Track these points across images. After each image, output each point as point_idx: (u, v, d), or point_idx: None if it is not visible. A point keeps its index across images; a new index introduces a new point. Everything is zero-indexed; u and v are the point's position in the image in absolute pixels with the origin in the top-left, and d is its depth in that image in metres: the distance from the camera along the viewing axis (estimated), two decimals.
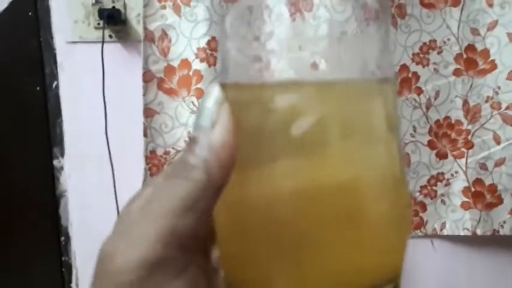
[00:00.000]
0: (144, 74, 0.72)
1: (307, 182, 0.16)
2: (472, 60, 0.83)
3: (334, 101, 0.16)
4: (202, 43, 0.71)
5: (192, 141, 0.17)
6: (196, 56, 0.72)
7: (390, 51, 0.18)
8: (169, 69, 0.73)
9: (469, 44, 0.83)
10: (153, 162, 0.74)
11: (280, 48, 0.16)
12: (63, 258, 0.84)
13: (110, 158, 0.76)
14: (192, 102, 0.73)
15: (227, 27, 0.18)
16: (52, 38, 0.78)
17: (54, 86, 0.80)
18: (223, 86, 0.17)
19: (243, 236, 0.18)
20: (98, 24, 0.76)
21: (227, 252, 0.18)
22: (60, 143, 0.81)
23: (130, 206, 0.17)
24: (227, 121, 0.17)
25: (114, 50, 0.77)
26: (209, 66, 0.72)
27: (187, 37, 0.72)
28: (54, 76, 0.80)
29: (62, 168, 0.82)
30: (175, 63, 0.73)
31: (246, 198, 0.17)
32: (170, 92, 0.73)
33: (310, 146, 0.16)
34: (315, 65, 0.16)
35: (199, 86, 0.72)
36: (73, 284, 0.84)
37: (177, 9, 0.71)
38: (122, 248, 0.16)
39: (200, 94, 0.72)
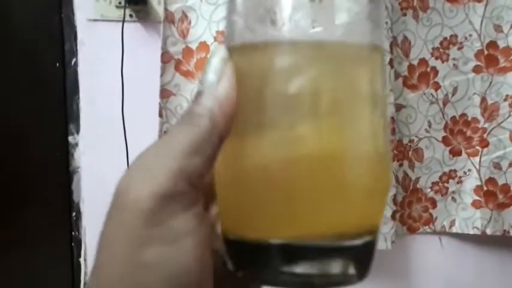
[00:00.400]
0: (162, 55, 0.72)
1: (298, 148, 0.18)
2: (493, 58, 0.82)
3: (328, 61, 0.18)
4: (222, 26, 0.71)
5: (198, 94, 0.19)
6: (215, 39, 0.72)
7: (381, 26, 0.20)
8: (188, 52, 0.73)
9: (491, 41, 0.81)
10: None
11: (284, 13, 0.18)
12: (73, 233, 0.86)
13: (124, 137, 0.77)
14: None
15: None
16: (73, 14, 0.79)
17: (73, 62, 0.81)
18: (228, 49, 0.19)
19: (240, 193, 0.19)
20: (119, 3, 0.77)
21: (225, 209, 0.20)
22: (76, 119, 0.83)
23: (144, 150, 0.19)
24: (231, 77, 0.19)
25: (134, 29, 0.78)
26: None
27: (207, 20, 0.72)
28: (74, 53, 0.81)
29: (76, 144, 0.83)
30: (193, 46, 0.73)
31: (243, 159, 0.19)
32: (187, 74, 0.74)
33: (302, 110, 0.18)
34: (315, 29, 0.18)
35: None
36: (81, 259, 0.86)
37: None
38: (136, 182, 0.18)
39: None
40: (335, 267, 0.18)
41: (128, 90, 0.77)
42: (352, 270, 0.18)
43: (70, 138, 0.84)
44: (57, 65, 0.81)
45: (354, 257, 0.19)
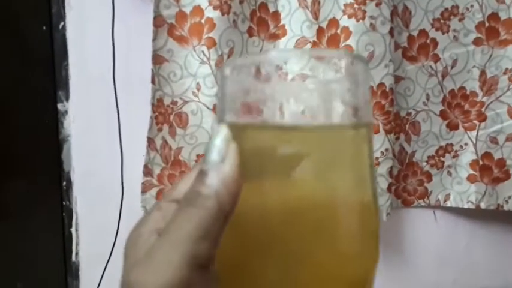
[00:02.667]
0: (154, 19, 0.69)
1: (291, 200, 0.20)
2: (494, 30, 0.80)
3: (318, 141, 0.21)
4: None
5: (202, 173, 0.20)
6: (210, 3, 0.69)
7: (367, 102, 0.22)
8: (181, 16, 0.70)
9: (492, 12, 0.79)
10: (160, 111, 0.72)
11: (277, 98, 0.20)
12: (64, 203, 0.84)
13: (116, 104, 0.75)
14: (203, 51, 0.71)
15: (227, 73, 0.21)
16: None
17: (60, 26, 0.78)
18: (229, 126, 0.20)
19: (238, 246, 0.20)
20: None
21: (223, 262, 0.21)
22: (65, 86, 0.80)
23: (140, 230, 0.20)
24: (235, 157, 0.20)
25: None
26: (222, 14, 0.69)
27: None
28: (61, 16, 0.77)
29: (66, 112, 0.81)
30: (187, 10, 0.70)
31: (241, 212, 0.20)
32: (180, 40, 0.71)
33: (295, 171, 0.20)
34: (304, 114, 0.20)
35: (211, 35, 0.70)
36: (72, 229, 0.85)
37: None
38: (149, 276, 0.18)
39: (211, 43, 0.70)
40: None
41: (119, 56, 0.74)
42: None
43: (59, 106, 0.81)
44: (44, 28, 0.78)
45: None
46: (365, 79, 0.21)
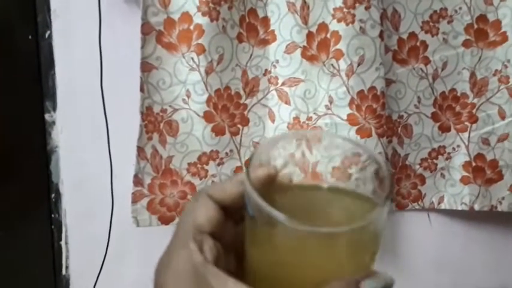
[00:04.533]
0: (142, 26, 0.68)
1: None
2: (483, 32, 0.81)
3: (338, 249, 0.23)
4: None
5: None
6: (198, 9, 0.68)
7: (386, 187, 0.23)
8: (169, 22, 0.69)
9: (481, 14, 0.80)
10: (149, 119, 0.71)
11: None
12: (53, 216, 0.82)
13: (104, 113, 0.74)
14: (192, 58, 0.70)
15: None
16: None
17: (47, 35, 0.76)
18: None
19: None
20: None
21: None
22: (52, 96, 0.78)
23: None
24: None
25: None
26: (211, 20, 0.68)
27: None
28: (47, 25, 0.76)
29: (53, 122, 0.79)
30: (175, 16, 0.69)
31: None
32: (169, 47, 0.70)
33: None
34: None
35: (199, 41, 0.69)
36: (62, 242, 0.83)
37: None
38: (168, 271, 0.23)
39: (201, 50, 0.69)
40: None
41: (107, 64, 0.73)
42: None
43: (47, 116, 0.79)
44: (30, 37, 0.76)
45: None
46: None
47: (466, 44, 0.81)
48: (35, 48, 0.77)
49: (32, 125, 0.80)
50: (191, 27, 0.69)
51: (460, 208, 0.84)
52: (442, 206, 0.86)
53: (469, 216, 0.87)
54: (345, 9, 0.71)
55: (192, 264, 0.22)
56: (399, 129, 0.83)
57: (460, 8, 0.80)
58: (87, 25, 0.73)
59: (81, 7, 0.74)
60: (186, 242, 0.23)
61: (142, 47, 0.69)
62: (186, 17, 0.69)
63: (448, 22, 0.81)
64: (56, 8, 0.75)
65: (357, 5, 0.70)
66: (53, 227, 0.83)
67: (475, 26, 0.81)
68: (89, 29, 0.72)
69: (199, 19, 0.68)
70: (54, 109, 0.79)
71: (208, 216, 0.25)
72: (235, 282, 0.21)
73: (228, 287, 0.21)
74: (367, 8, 0.71)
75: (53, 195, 0.82)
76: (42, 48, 0.77)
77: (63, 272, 0.83)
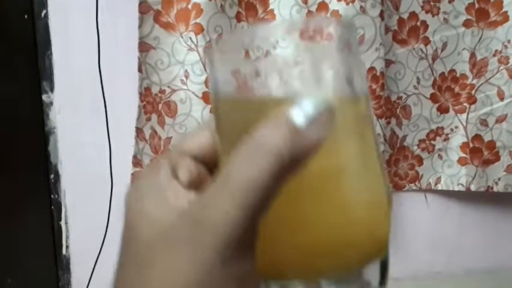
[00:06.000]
0: (140, 5, 0.67)
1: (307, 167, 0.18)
2: (484, 11, 0.80)
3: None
4: None
5: (286, 115, 0.18)
6: None
7: (362, 73, 0.21)
8: (167, 1, 0.68)
9: None
10: (148, 100, 0.71)
11: (268, 73, 0.19)
12: (52, 196, 0.83)
13: (102, 93, 0.73)
14: (190, 38, 0.69)
15: (215, 57, 0.21)
16: None
17: (43, 14, 0.75)
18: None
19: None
20: None
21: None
22: (49, 76, 0.78)
23: (153, 179, 0.19)
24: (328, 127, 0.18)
25: None
26: None
27: None
28: (43, 4, 0.74)
29: (51, 103, 0.79)
30: None
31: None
32: (167, 26, 0.69)
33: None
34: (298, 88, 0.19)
35: (198, 20, 0.68)
36: (62, 222, 0.83)
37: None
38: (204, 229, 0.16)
39: (199, 30, 0.68)
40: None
41: (104, 44, 0.72)
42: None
43: (44, 97, 0.79)
44: (26, 17, 0.75)
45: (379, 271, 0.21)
46: (356, 47, 0.21)
47: (466, 24, 0.80)
48: (31, 28, 0.76)
49: (30, 106, 0.80)
50: (189, 7, 0.68)
51: (456, 189, 0.85)
52: (439, 187, 0.86)
53: (465, 196, 0.88)
54: None
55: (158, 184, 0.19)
56: (398, 110, 0.83)
57: None
58: (83, 3, 0.72)
59: None
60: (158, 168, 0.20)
61: (140, 26, 0.68)
62: None
63: (449, 1, 0.80)
64: None
65: None
66: (52, 207, 0.83)
67: (476, 6, 0.80)
68: (86, 7, 0.71)
69: None
70: (52, 90, 0.78)
71: (200, 141, 0.21)
72: (187, 192, 0.18)
73: (179, 196, 0.18)
74: None
75: (52, 176, 0.82)
76: (38, 28, 0.76)
77: (64, 252, 0.84)
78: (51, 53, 0.76)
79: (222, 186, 0.16)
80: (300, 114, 0.17)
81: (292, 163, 0.17)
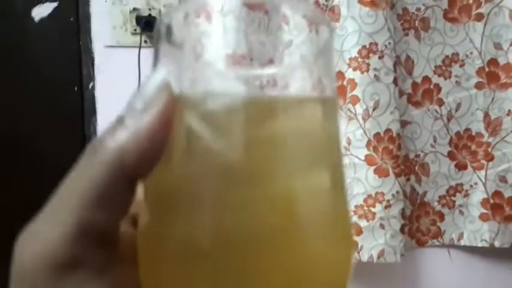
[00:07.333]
0: None
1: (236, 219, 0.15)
2: (495, 74, 0.85)
3: (278, 118, 0.16)
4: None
5: (117, 120, 0.15)
6: None
7: (333, 77, 0.18)
8: None
9: (491, 58, 0.84)
10: None
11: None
12: None
13: None
14: None
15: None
16: (91, 41, 0.84)
17: (90, 86, 0.85)
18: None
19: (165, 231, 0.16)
20: (135, 30, 0.81)
21: (144, 246, 0.16)
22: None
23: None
24: (162, 109, 0.14)
25: (149, 54, 0.82)
26: None
27: None
28: (91, 77, 0.85)
29: None
30: None
31: (167, 190, 0.16)
32: None
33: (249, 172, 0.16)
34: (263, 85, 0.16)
35: None
36: None
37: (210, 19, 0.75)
38: (28, 252, 0.14)
39: None
40: None
41: None
42: None
43: None
44: (76, 89, 0.86)
45: None
46: (329, 46, 0.18)
47: (478, 86, 0.85)
48: (80, 98, 0.86)
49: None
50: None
51: (480, 245, 0.85)
52: (462, 243, 0.87)
53: (489, 252, 0.88)
54: (359, 59, 0.77)
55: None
56: (416, 167, 0.87)
57: (471, 53, 0.84)
58: (127, 78, 0.81)
59: (122, 62, 0.83)
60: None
61: None
62: None
63: (460, 66, 0.85)
64: (99, 63, 0.84)
65: (371, 55, 0.76)
66: None
67: (487, 69, 0.85)
68: (128, 81, 0.80)
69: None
70: None
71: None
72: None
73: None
74: (380, 58, 0.77)
75: None
76: (86, 98, 0.86)
77: None
78: (96, 120, 0.85)
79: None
80: (126, 107, 0.15)
81: (122, 166, 0.14)
